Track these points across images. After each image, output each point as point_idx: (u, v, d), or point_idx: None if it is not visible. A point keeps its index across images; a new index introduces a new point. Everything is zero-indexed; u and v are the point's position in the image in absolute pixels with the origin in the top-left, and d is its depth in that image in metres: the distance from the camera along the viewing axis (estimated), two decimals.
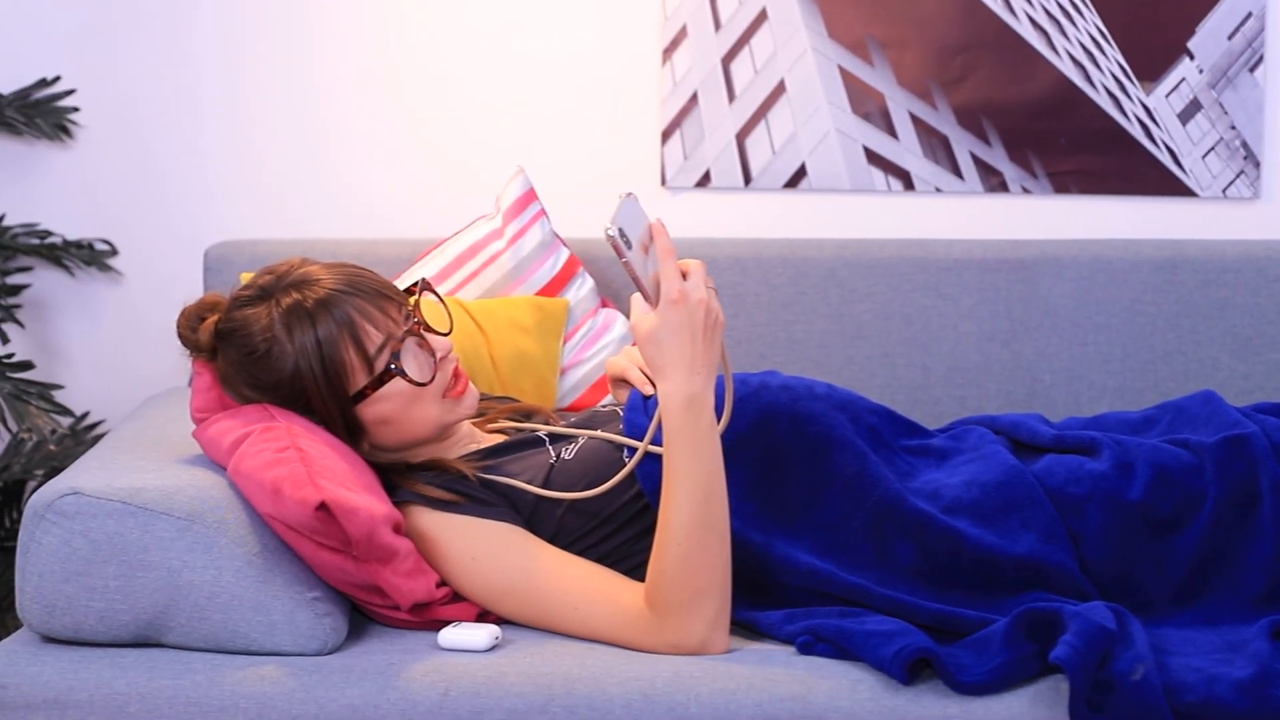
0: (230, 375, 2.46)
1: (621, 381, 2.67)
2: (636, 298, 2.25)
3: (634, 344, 2.98)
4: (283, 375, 2.41)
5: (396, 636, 2.34)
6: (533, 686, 2.19)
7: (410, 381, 2.41)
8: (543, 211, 3.21)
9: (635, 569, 2.39)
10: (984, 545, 2.36)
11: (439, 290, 3.01)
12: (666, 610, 2.26)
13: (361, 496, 2.25)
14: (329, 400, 2.41)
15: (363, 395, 2.41)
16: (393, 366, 2.40)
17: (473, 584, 2.37)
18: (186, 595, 2.24)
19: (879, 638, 2.22)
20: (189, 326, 2.49)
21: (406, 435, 2.47)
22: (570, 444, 2.51)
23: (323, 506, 2.21)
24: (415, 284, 2.52)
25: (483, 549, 2.36)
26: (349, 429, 2.44)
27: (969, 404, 3.24)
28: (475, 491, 2.41)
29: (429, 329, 2.47)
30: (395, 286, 2.48)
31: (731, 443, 2.41)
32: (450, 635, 2.29)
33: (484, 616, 2.38)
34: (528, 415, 2.70)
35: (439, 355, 2.45)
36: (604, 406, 2.66)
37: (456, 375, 2.50)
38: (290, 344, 2.39)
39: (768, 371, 2.59)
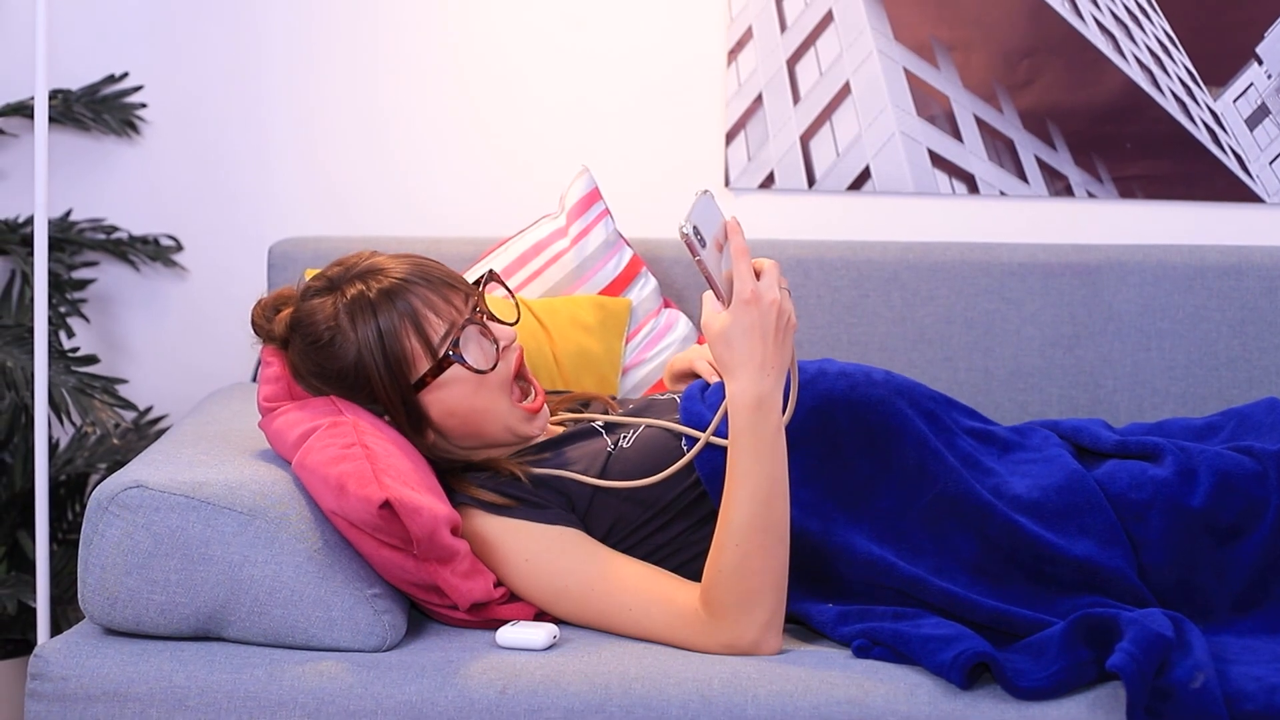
0: (298, 365, 2.48)
1: (686, 375, 2.68)
2: (708, 295, 2.24)
3: (698, 342, 2.98)
4: (346, 364, 2.42)
5: (455, 634, 2.35)
6: (590, 686, 2.19)
7: (469, 368, 2.42)
8: (607, 211, 3.22)
9: (693, 559, 2.39)
10: (1044, 540, 2.35)
11: None
12: (721, 610, 2.26)
13: (424, 496, 2.26)
14: (391, 389, 2.42)
15: (423, 383, 2.42)
16: (451, 353, 2.41)
17: (528, 585, 2.37)
18: (247, 590, 2.25)
19: (936, 642, 2.21)
20: (264, 317, 2.52)
21: (474, 430, 2.48)
22: (628, 432, 2.51)
23: (386, 505, 2.21)
24: (483, 275, 2.53)
25: (536, 551, 2.37)
26: (412, 420, 2.45)
27: (1031, 409, 3.23)
28: (529, 494, 2.41)
29: (493, 318, 2.48)
30: (461, 277, 2.50)
31: (789, 429, 2.39)
32: (508, 634, 2.30)
33: (542, 616, 2.39)
34: (586, 403, 2.71)
35: (502, 344, 2.46)
36: (662, 396, 2.66)
37: (529, 382, 2.51)
38: (354, 333, 2.41)
39: (824, 359, 2.58)
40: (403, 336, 2.41)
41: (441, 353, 2.42)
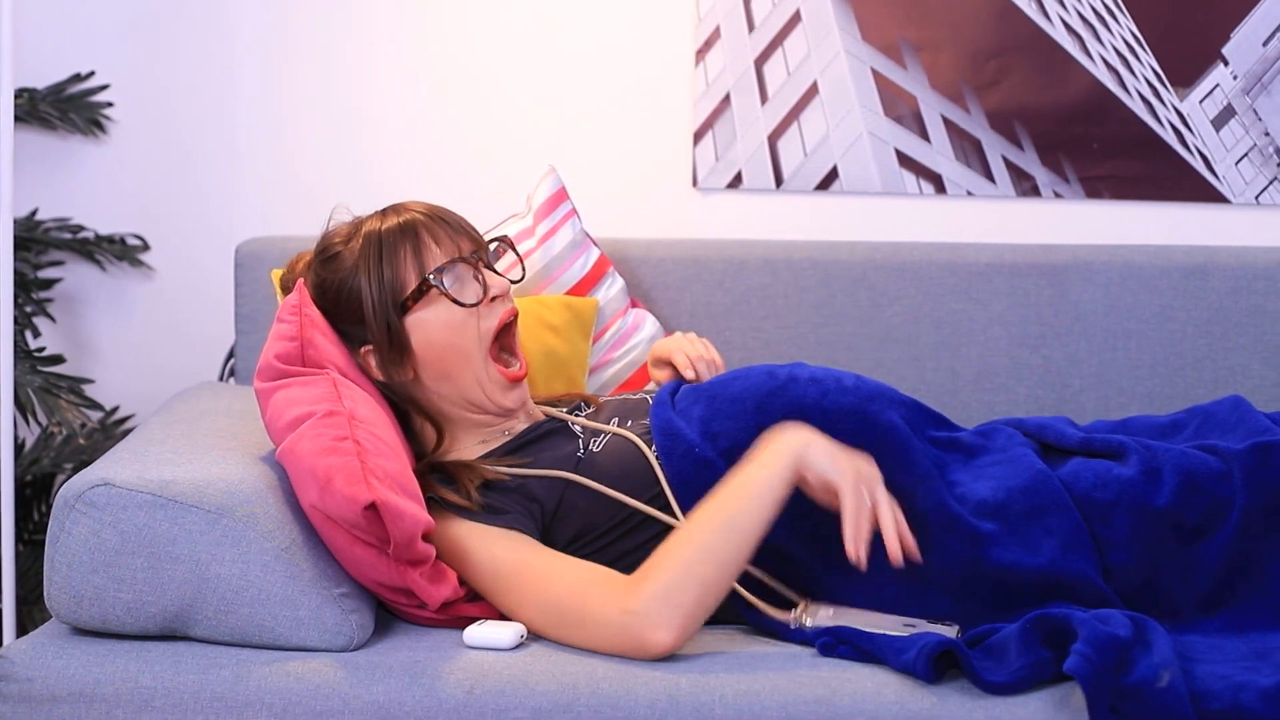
0: (307, 279, 2.58)
1: (664, 364, 2.70)
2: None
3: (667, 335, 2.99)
4: (344, 273, 2.53)
5: (422, 634, 2.35)
6: (558, 686, 2.19)
7: (449, 297, 2.50)
8: (574, 211, 3.22)
9: None
10: (1004, 563, 2.36)
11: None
12: (647, 586, 2.25)
13: (408, 502, 2.26)
14: (378, 305, 2.50)
15: (406, 307, 2.50)
16: (434, 279, 2.50)
17: (484, 583, 2.38)
18: (214, 588, 2.25)
19: (902, 640, 2.22)
20: (291, 264, 2.69)
21: (448, 370, 2.53)
22: (599, 437, 2.52)
23: (371, 506, 2.21)
24: (499, 237, 2.66)
25: (499, 551, 2.37)
26: (394, 343, 2.51)
27: (997, 408, 3.24)
28: (492, 500, 2.43)
29: (489, 267, 2.57)
30: (476, 230, 2.61)
31: (760, 437, 2.41)
32: (476, 633, 2.30)
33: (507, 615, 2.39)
34: (556, 401, 2.72)
35: (492, 293, 2.53)
36: (634, 395, 2.66)
37: (513, 354, 2.59)
38: (357, 246, 2.53)
39: (795, 364, 2.58)
40: (399, 255, 2.51)
41: (427, 276, 2.50)
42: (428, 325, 2.51)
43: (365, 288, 2.51)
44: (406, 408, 2.57)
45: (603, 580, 2.30)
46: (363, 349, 2.53)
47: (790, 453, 2.29)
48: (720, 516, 2.27)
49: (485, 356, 2.53)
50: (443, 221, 2.55)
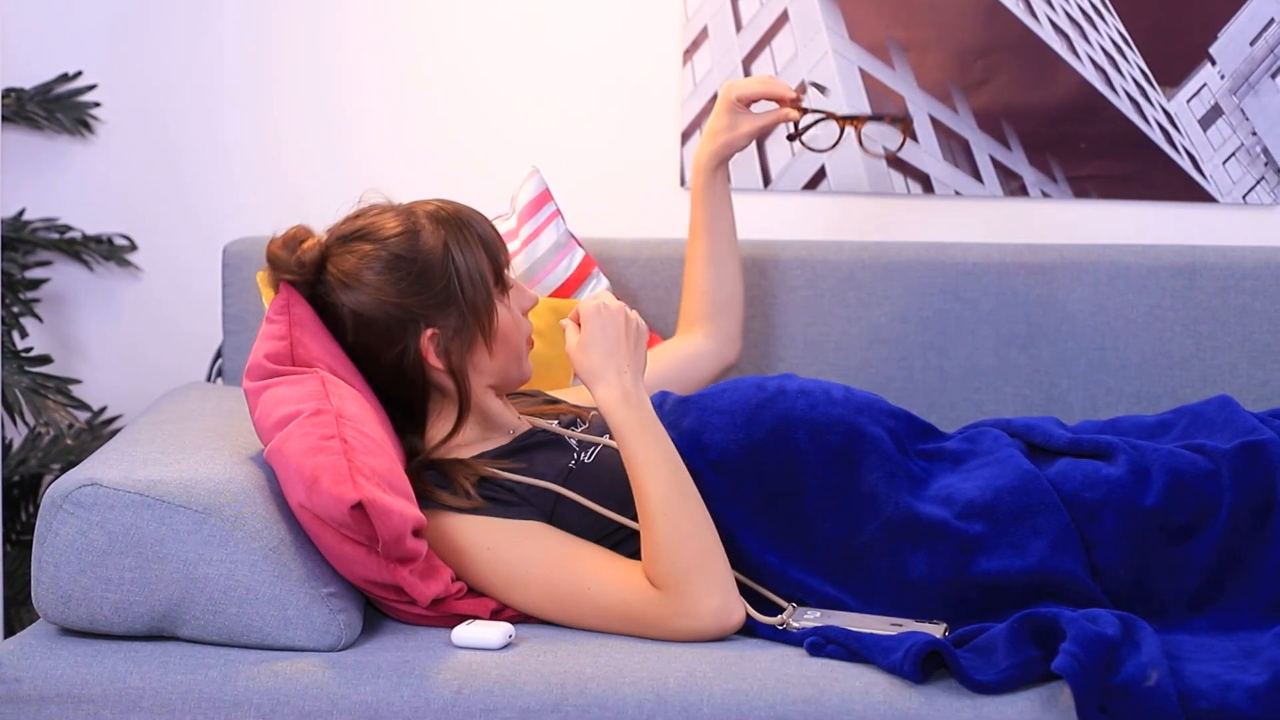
0: (351, 274, 2.50)
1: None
2: (568, 324, 2.44)
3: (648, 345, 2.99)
4: (427, 252, 2.50)
5: (411, 633, 2.35)
6: (546, 686, 2.19)
7: (515, 299, 2.58)
8: (558, 212, 3.21)
9: None
10: (991, 571, 2.36)
11: None
12: (673, 582, 2.30)
13: (395, 499, 2.25)
14: (478, 282, 2.52)
15: (501, 290, 2.57)
16: (507, 272, 2.58)
17: (488, 576, 2.38)
18: (202, 588, 2.25)
19: (890, 640, 2.23)
20: (287, 248, 2.53)
21: (503, 363, 2.57)
22: (591, 449, 2.52)
23: (358, 505, 2.21)
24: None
25: (498, 540, 2.38)
26: (481, 323, 2.52)
27: (985, 408, 3.24)
28: (496, 494, 2.43)
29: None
30: None
31: (749, 449, 2.43)
32: (464, 633, 2.30)
33: (498, 615, 2.39)
34: (554, 415, 2.72)
35: (532, 302, 2.63)
36: None
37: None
38: (438, 230, 2.52)
39: (785, 375, 2.60)
40: (479, 243, 2.53)
41: (505, 276, 2.57)
42: (503, 315, 2.55)
43: (461, 265, 2.50)
44: (436, 394, 2.56)
45: (639, 588, 2.35)
46: (428, 330, 2.49)
47: (617, 400, 2.38)
48: (655, 477, 2.35)
49: (523, 350, 2.59)
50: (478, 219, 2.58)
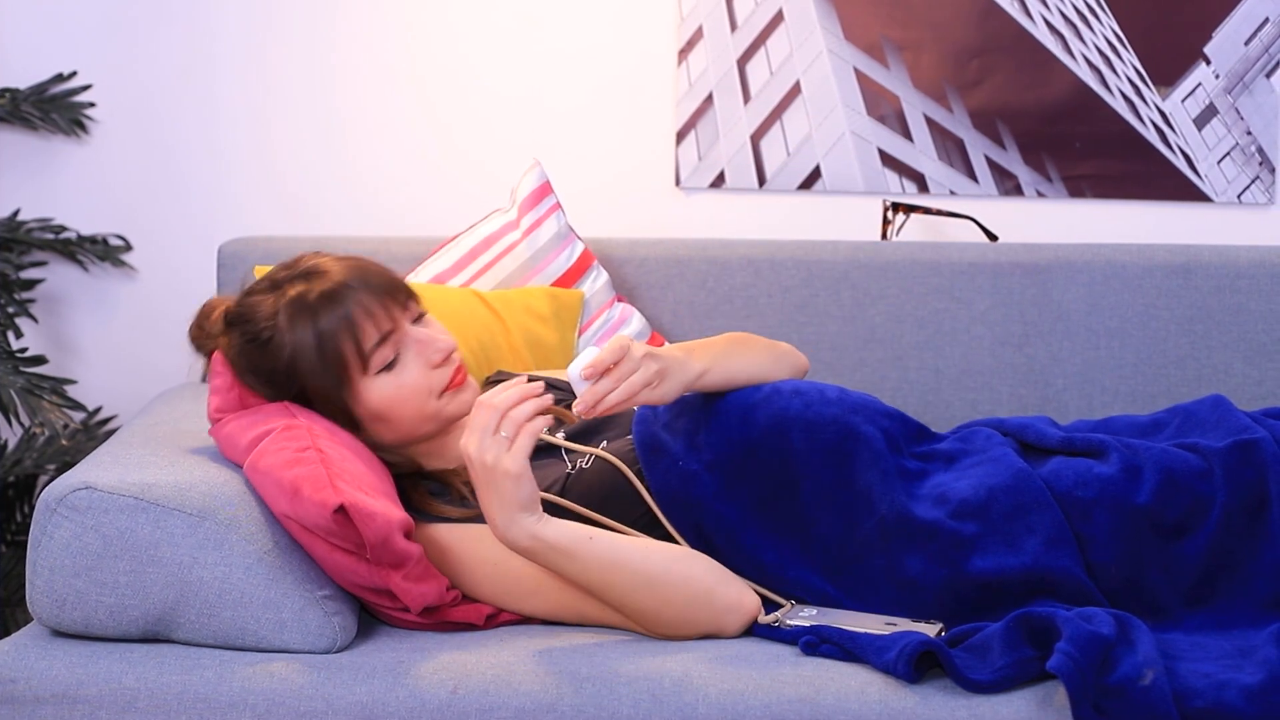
0: (235, 360, 2.50)
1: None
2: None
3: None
4: (279, 364, 2.45)
5: (405, 635, 2.35)
6: (541, 686, 2.19)
7: (394, 378, 2.45)
8: (558, 204, 3.21)
9: None
10: (985, 570, 2.36)
11: (452, 282, 3.06)
12: (699, 625, 2.34)
13: (378, 501, 2.25)
14: (322, 391, 2.44)
15: (354, 390, 2.45)
16: (371, 358, 2.44)
17: (493, 589, 2.38)
18: (196, 592, 2.25)
19: (885, 639, 2.23)
20: (198, 324, 2.55)
21: (404, 432, 2.50)
22: (588, 455, 2.51)
23: (341, 510, 2.21)
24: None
25: (504, 555, 2.37)
26: (348, 422, 2.47)
27: (980, 408, 3.24)
28: None
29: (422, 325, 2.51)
30: (404, 283, 2.51)
31: (744, 449, 2.42)
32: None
33: (494, 619, 2.38)
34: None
35: (442, 355, 2.48)
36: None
37: (456, 369, 2.52)
38: (291, 334, 2.43)
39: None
40: (339, 341, 2.42)
41: (376, 362, 2.44)
42: (375, 402, 2.47)
43: (309, 379, 2.44)
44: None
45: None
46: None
47: (520, 550, 2.28)
48: (604, 577, 2.30)
49: (439, 400, 2.50)
50: (371, 289, 2.45)
